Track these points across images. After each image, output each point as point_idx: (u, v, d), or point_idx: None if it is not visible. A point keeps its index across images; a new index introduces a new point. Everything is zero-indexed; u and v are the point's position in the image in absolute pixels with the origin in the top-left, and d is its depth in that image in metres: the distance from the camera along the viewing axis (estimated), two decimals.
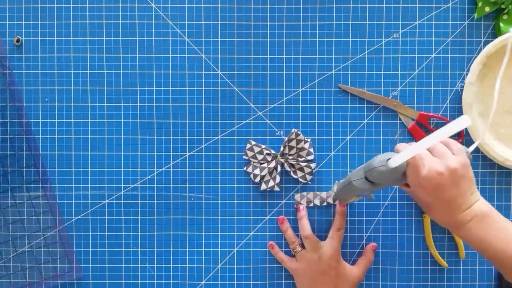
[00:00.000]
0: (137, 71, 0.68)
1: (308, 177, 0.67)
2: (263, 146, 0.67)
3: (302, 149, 0.66)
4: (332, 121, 0.68)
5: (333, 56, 0.68)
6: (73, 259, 0.69)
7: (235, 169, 0.68)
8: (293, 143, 0.66)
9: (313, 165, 0.67)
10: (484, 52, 0.64)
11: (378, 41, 0.68)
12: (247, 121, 0.68)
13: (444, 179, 0.51)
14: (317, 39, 0.68)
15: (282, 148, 0.67)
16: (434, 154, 0.53)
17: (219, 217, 0.69)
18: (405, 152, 0.50)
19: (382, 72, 0.68)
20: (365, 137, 0.68)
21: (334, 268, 0.63)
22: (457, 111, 0.68)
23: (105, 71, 0.68)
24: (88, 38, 0.68)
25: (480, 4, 0.66)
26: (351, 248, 0.69)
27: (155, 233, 0.69)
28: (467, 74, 0.67)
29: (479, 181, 0.68)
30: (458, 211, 0.53)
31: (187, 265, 0.69)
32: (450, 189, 0.52)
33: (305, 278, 0.64)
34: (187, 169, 0.69)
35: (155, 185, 0.69)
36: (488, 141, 0.65)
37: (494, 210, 0.53)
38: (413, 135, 0.68)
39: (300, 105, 0.68)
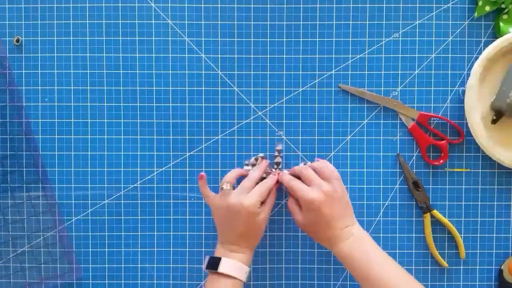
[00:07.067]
0: (137, 71, 0.68)
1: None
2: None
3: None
4: (332, 121, 0.68)
5: (333, 56, 0.68)
6: (73, 259, 0.69)
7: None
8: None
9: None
10: (483, 55, 0.64)
11: (378, 41, 0.68)
12: (247, 121, 0.68)
13: (318, 203, 0.59)
14: (317, 39, 0.68)
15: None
16: (305, 183, 0.62)
17: None
18: None
19: (382, 72, 0.68)
20: (365, 137, 0.68)
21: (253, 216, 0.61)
22: (457, 111, 0.68)
23: (105, 71, 0.68)
24: (88, 38, 0.68)
25: (480, 3, 0.66)
26: None
27: (155, 233, 0.69)
28: (467, 74, 0.67)
29: (479, 181, 0.68)
30: (335, 229, 0.59)
31: (187, 265, 0.69)
32: (326, 210, 0.59)
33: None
34: (187, 169, 0.69)
35: (155, 185, 0.69)
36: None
37: (368, 235, 0.61)
38: (413, 135, 0.68)
39: (300, 105, 0.68)
